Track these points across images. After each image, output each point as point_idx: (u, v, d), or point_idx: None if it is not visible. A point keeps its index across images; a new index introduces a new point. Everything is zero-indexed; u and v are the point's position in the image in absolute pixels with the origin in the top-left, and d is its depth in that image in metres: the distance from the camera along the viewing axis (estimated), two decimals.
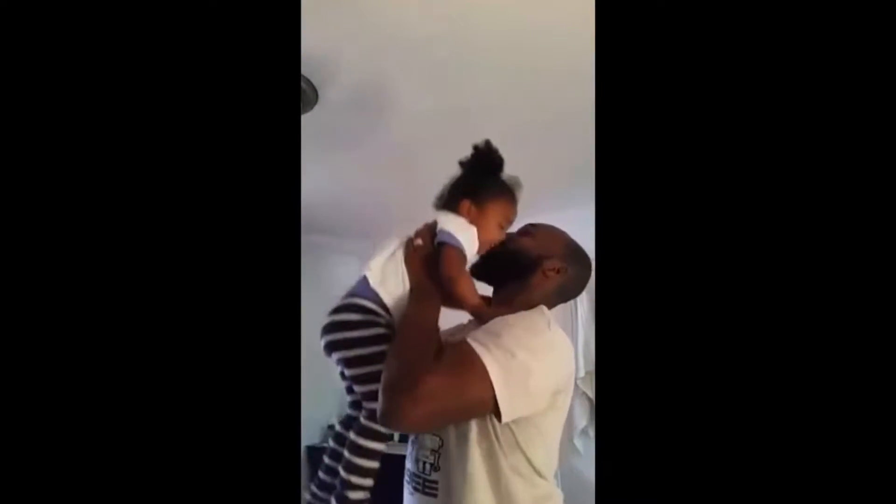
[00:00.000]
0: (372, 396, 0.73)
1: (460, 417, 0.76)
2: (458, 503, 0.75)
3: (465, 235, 0.83)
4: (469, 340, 0.74)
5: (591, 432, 2.22)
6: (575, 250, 0.91)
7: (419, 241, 0.85)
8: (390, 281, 0.81)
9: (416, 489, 0.82)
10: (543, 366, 0.74)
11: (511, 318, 0.79)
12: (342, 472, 0.76)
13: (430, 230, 0.86)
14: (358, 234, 2.97)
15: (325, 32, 1.29)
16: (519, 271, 0.88)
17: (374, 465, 0.77)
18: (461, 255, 0.82)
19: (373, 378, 0.73)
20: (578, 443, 2.23)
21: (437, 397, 0.68)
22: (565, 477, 1.95)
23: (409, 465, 0.86)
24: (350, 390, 0.84)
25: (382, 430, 0.76)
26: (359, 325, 0.79)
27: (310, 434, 2.81)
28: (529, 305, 0.83)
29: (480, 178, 0.87)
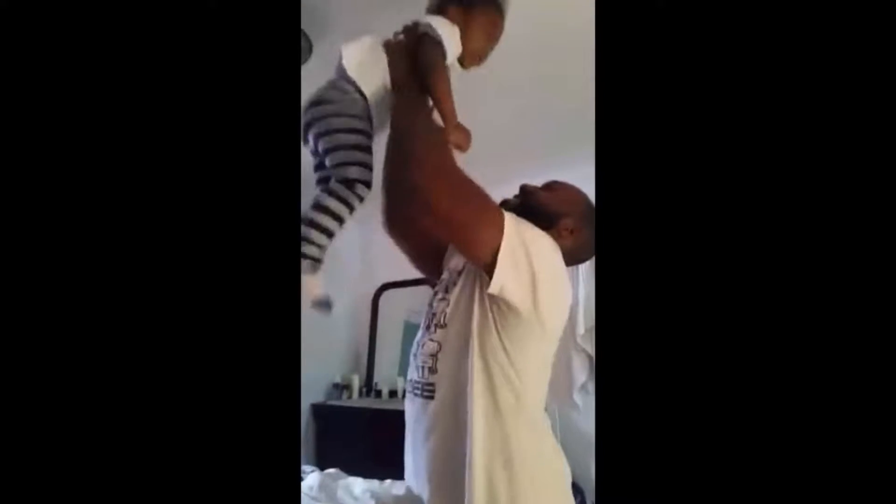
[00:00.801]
0: (344, 163, 0.77)
1: (453, 232, 0.80)
2: (453, 403, 0.76)
3: (446, 31, 0.83)
4: None
5: (591, 388, 2.26)
6: (593, 214, 0.89)
7: (400, 36, 0.85)
8: (368, 72, 0.82)
9: (414, 395, 0.84)
10: (549, 271, 0.77)
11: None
12: (303, 228, 0.75)
13: (411, 29, 0.85)
14: None
15: None
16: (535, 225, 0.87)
17: (335, 225, 0.77)
18: (440, 47, 0.82)
19: (345, 146, 0.77)
20: (578, 398, 2.27)
21: (450, 190, 0.74)
22: (565, 431, 2.00)
23: (410, 375, 0.88)
24: (320, 166, 0.84)
25: (349, 196, 0.77)
26: (337, 101, 0.80)
27: (315, 392, 2.87)
28: None
29: None
